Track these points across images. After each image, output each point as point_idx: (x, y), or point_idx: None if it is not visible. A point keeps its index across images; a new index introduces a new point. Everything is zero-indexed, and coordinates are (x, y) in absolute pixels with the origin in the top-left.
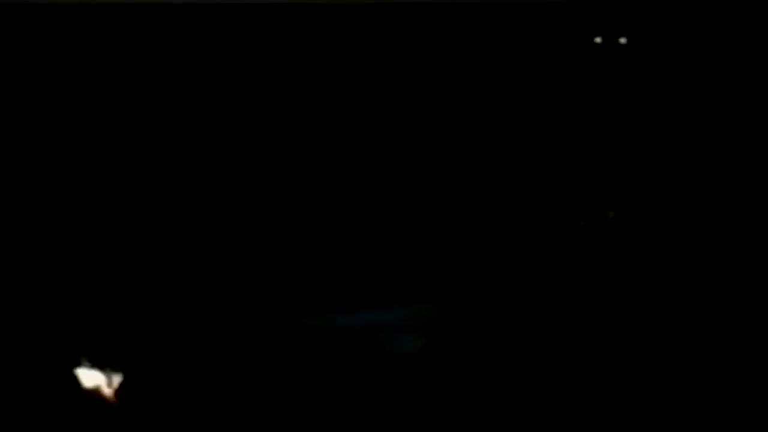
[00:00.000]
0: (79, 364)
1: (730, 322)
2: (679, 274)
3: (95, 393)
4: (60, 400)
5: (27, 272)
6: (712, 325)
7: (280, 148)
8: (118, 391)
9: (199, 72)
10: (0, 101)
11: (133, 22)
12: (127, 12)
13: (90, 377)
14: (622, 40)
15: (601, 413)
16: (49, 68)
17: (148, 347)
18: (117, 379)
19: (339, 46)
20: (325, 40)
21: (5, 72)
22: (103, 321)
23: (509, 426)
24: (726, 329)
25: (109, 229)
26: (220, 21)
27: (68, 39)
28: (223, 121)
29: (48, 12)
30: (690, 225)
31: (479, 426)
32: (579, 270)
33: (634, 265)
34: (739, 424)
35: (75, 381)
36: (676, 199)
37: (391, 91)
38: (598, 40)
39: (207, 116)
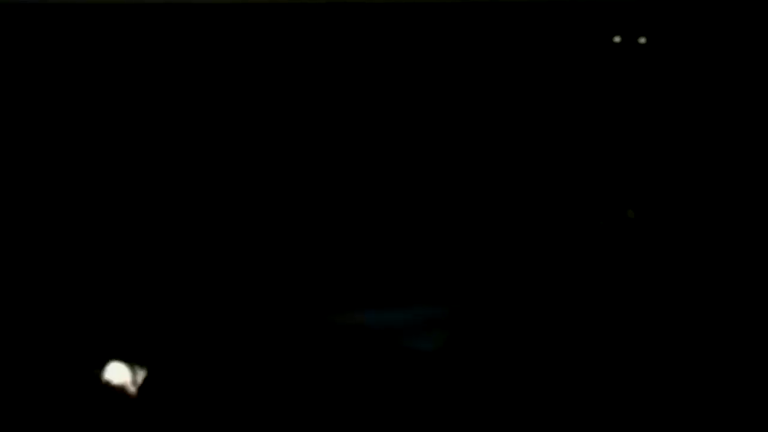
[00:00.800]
0: (104, 361)
1: (756, 321)
2: (701, 274)
3: (120, 389)
4: (84, 396)
5: (52, 268)
6: (736, 324)
7: (302, 145)
8: (142, 387)
9: (200, 72)
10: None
11: (133, 22)
12: (127, 12)
13: (115, 373)
14: (642, 40)
15: (622, 413)
16: (49, 68)
17: (172, 343)
18: (141, 375)
19: (340, 46)
20: (325, 40)
21: (5, 72)
22: (127, 317)
23: (528, 424)
24: (752, 328)
25: (128, 225)
26: (220, 21)
27: (68, 39)
28: (242, 116)
29: (48, 12)
30: (712, 224)
31: (497, 424)
32: (599, 270)
33: (655, 266)
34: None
35: (99, 377)
36: (698, 199)
37: (410, 87)
38: (617, 39)
39: (221, 112)
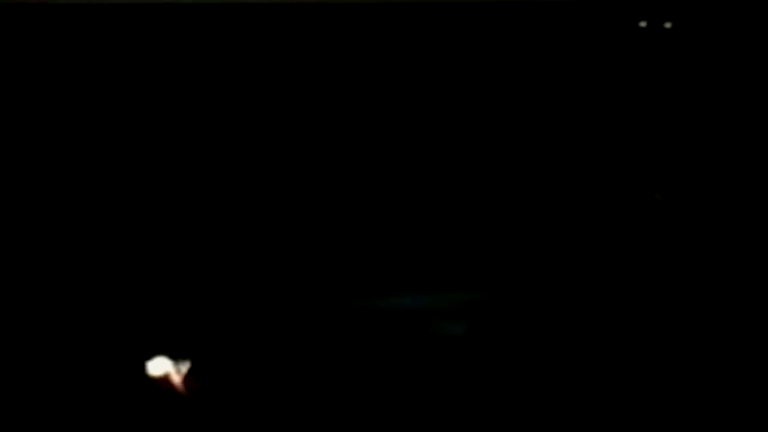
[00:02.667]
0: (148, 353)
1: None
2: (729, 260)
3: (163, 381)
4: (128, 388)
5: (97, 262)
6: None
7: (328, 134)
8: (186, 379)
9: (200, 73)
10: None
11: (133, 22)
12: (127, 12)
13: (158, 365)
14: (667, 24)
15: (651, 402)
16: (49, 69)
17: (211, 334)
18: (185, 366)
19: (341, 46)
20: (325, 40)
21: (5, 72)
22: (168, 309)
23: (553, 411)
24: None
25: (159, 221)
26: (220, 21)
27: (68, 39)
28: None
29: (48, 12)
30: (740, 211)
31: (521, 410)
32: (626, 255)
33: (683, 250)
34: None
35: (143, 369)
36: (725, 183)
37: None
38: (642, 24)
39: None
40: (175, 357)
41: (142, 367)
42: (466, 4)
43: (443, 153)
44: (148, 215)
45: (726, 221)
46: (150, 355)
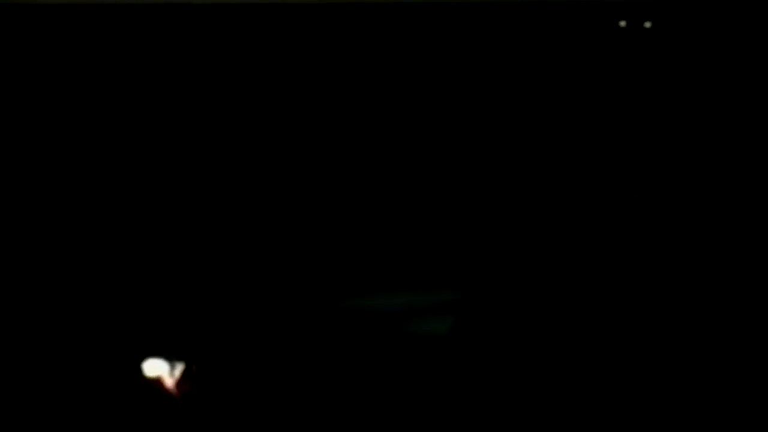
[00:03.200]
0: (143, 354)
1: None
2: (731, 260)
3: (158, 382)
4: (122, 390)
5: (92, 264)
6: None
7: (309, 137)
8: (180, 381)
9: (200, 73)
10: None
11: (133, 22)
12: (127, 12)
13: (152, 367)
14: (647, 24)
15: (638, 402)
16: (49, 69)
17: (202, 336)
18: (179, 368)
19: (343, 46)
20: (326, 40)
21: (5, 73)
22: (160, 311)
23: (536, 411)
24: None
25: (152, 223)
26: (220, 21)
27: (68, 39)
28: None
29: (48, 12)
30: (741, 211)
31: (504, 410)
32: (611, 258)
33: (669, 256)
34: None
35: (137, 371)
36: (728, 185)
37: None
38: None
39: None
40: (170, 358)
41: (137, 368)
42: (465, 4)
43: (426, 153)
44: (142, 218)
45: (727, 222)
46: (145, 357)
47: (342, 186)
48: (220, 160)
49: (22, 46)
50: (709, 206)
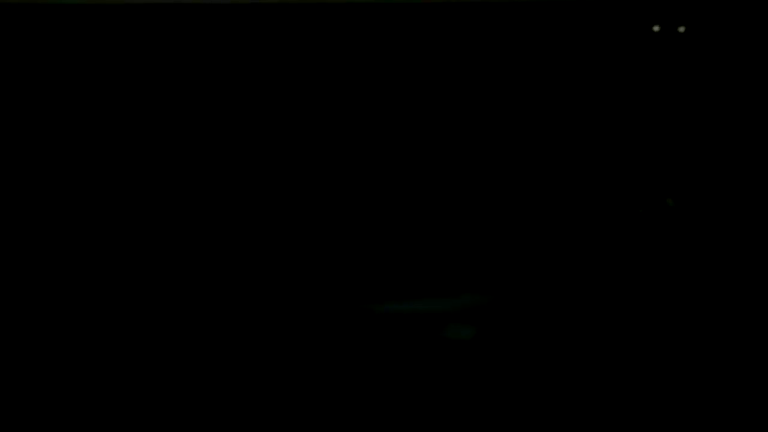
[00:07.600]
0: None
1: None
2: (742, 266)
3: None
4: (124, 389)
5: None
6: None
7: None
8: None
9: (200, 73)
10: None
11: (133, 22)
12: (127, 12)
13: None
14: (681, 29)
15: (662, 407)
16: (49, 69)
17: (216, 338)
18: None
19: (343, 47)
20: (325, 40)
21: (5, 73)
22: (168, 312)
23: (560, 416)
24: None
25: (156, 224)
26: (220, 21)
27: (68, 39)
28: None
29: (48, 12)
30: (754, 215)
31: (527, 414)
32: (637, 261)
33: (696, 256)
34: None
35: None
36: (740, 188)
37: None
38: (656, 28)
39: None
40: (176, 359)
41: (138, 368)
42: (466, 4)
43: (453, 154)
44: (145, 219)
45: (740, 227)
46: (147, 356)
47: (368, 191)
48: (231, 158)
49: (22, 46)
50: (733, 211)
